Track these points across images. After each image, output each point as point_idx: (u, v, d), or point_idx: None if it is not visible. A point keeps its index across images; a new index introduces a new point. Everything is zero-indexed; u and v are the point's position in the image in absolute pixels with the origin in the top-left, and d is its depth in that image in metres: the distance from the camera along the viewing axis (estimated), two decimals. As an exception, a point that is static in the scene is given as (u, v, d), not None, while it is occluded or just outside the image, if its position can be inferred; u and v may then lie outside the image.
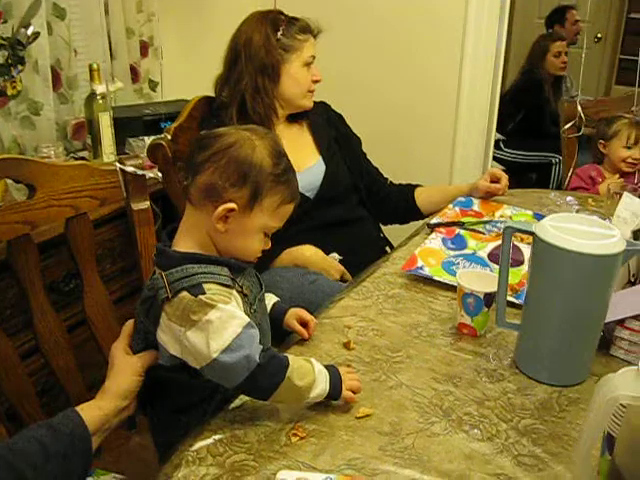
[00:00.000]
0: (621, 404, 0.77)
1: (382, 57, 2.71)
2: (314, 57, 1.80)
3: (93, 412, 0.99)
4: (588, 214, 1.76)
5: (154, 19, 2.41)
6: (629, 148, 2.36)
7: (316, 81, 1.82)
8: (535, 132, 3.89)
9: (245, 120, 1.70)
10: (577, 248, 1.03)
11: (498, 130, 3.90)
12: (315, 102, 1.87)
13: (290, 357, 1.01)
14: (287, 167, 1.08)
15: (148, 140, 2.07)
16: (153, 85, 2.50)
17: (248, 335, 0.97)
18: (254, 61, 1.72)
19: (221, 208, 1.01)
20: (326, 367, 1.04)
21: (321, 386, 1.01)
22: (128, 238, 1.72)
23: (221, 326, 0.96)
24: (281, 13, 1.80)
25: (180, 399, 1.08)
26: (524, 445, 0.98)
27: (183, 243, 1.05)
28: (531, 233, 1.10)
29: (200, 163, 1.03)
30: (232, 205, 1.01)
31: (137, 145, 2.04)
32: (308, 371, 1.01)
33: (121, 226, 1.82)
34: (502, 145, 3.92)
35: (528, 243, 1.53)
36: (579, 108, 2.34)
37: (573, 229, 1.07)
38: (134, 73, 2.43)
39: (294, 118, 1.87)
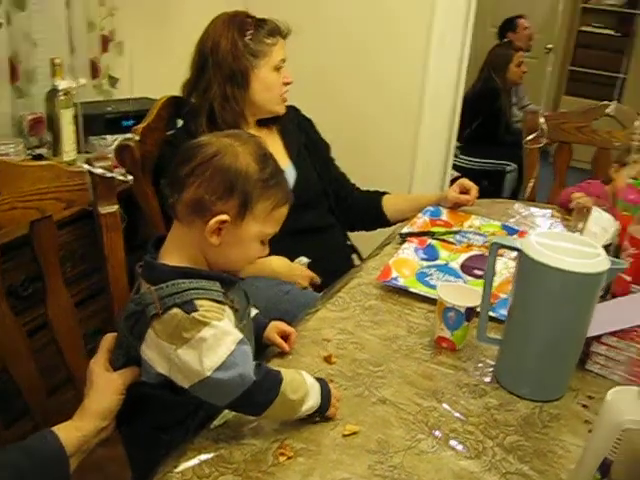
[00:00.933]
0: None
1: (346, 63, 2.70)
2: (284, 60, 1.76)
3: (71, 433, 0.94)
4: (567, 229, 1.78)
5: (116, 13, 2.33)
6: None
7: (287, 83, 1.78)
8: (490, 140, 3.95)
9: (214, 129, 1.64)
10: (564, 266, 1.04)
11: (454, 137, 3.96)
12: (285, 106, 1.84)
13: (282, 371, 0.98)
14: (275, 170, 1.04)
15: (111, 139, 2.01)
16: (113, 81, 2.43)
17: (242, 352, 0.95)
18: (222, 69, 1.67)
19: (213, 221, 0.97)
20: (315, 379, 1.02)
21: (313, 399, 0.99)
22: (90, 240, 1.67)
23: (215, 343, 0.92)
24: (248, 15, 1.75)
25: (162, 416, 1.04)
26: (511, 462, 0.98)
27: (172, 257, 1.01)
28: (517, 250, 1.10)
29: (184, 178, 0.99)
30: (224, 217, 0.98)
31: (99, 144, 1.98)
32: (300, 384, 0.99)
33: (83, 228, 1.75)
34: (458, 152, 3.96)
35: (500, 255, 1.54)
36: (542, 120, 2.36)
37: (559, 246, 1.08)
38: (94, 68, 2.35)
39: (264, 122, 1.83)
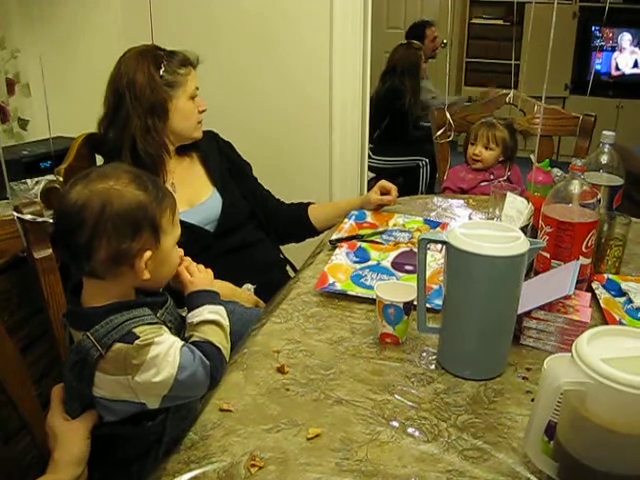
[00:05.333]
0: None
1: (256, 78, 2.73)
2: (198, 88, 1.80)
3: None
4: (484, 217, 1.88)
5: (19, 55, 2.32)
6: (472, 144, 2.48)
7: (202, 111, 1.82)
8: (400, 138, 4.08)
9: (138, 161, 1.68)
10: (488, 252, 1.12)
11: (366, 139, 4.06)
12: (203, 131, 1.87)
13: (204, 332, 1.10)
14: (153, 181, 1.08)
15: (32, 182, 1.99)
16: (23, 123, 2.41)
17: (188, 349, 1.04)
18: (141, 102, 1.69)
19: (141, 263, 1.01)
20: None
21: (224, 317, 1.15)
22: (25, 286, 1.66)
23: (165, 355, 0.99)
24: (159, 48, 1.78)
25: (127, 450, 1.07)
26: (466, 440, 1.05)
27: (99, 299, 1.04)
28: (444, 242, 1.18)
29: (87, 244, 0.99)
30: (148, 254, 1.03)
31: (20, 189, 1.96)
32: (218, 328, 1.12)
33: (16, 274, 1.73)
34: (370, 153, 4.06)
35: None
36: (448, 115, 2.48)
37: (481, 234, 1.16)
38: (2, 112, 2.33)
39: (184, 150, 1.86)
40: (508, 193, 1.72)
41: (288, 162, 2.76)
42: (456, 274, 1.19)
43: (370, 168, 3.99)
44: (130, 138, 1.69)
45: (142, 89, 1.68)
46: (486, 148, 2.43)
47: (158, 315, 1.06)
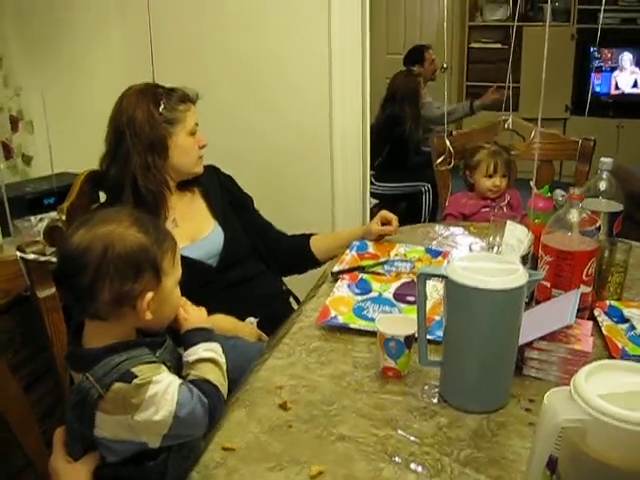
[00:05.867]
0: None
1: (255, 112, 2.75)
2: (197, 124, 1.82)
3: None
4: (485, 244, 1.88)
5: (22, 92, 2.35)
6: (490, 177, 2.48)
7: (202, 146, 1.84)
8: (402, 164, 4.10)
9: (139, 198, 1.70)
10: (487, 285, 1.13)
11: (368, 165, 4.08)
12: (204, 166, 1.89)
13: (202, 371, 1.11)
14: (154, 223, 1.11)
15: (35, 220, 2.01)
16: (27, 159, 2.44)
17: (186, 387, 1.05)
18: (141, 140, 1.71)
19: (143, 304, 1.03)
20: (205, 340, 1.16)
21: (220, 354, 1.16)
22: (29, 324, 1.67)
23: (164, 394, 1.00)
24: (158, 86, 1.81)
25: (131, 490, 1.08)
26: (468, 474, 1.05)
27: (100, 340, 1.05)
28: (443, 276, 1.19)
29: (89, 287, 1.01)
30: (150, 295, 1.05)
31: (24, 226, 1.98)
32: (214, 365, 1.13)
33: (20, 313, 1.75)
34: (372, 179, 4.09)
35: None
36: (447, 143, 2.50)
37: (480, 267, 1.17)
38: (6, 149, 2.36)
39: (185, 185, 1.88)
40: (508, 221, 1.73)
41: (290, 193, 2.77)
42: (455, 308, 1.19)
43: (373, 194, 4.01)
44: (131, 175, 1.71)
45: (142, 126, 1.71)
46: (490, 177, 2.45)
47: (157, 354, 1.07)
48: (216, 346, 1.15)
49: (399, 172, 4.11)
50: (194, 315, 1.18)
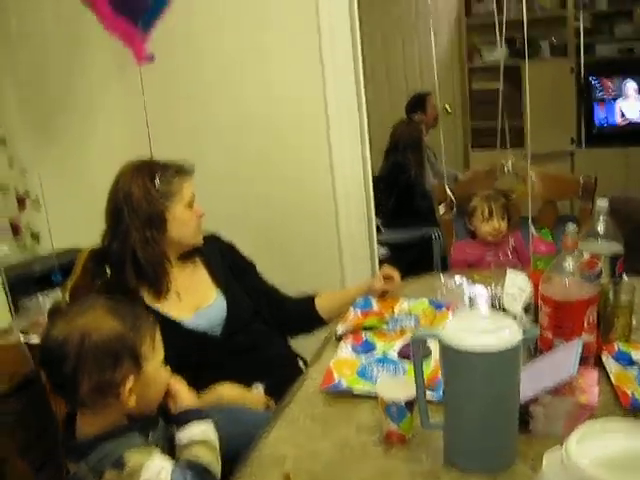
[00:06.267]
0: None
1: (257, 172, 2.78)
2: (194, 195, 1.83)
3: None
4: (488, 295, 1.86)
5: (27, 174, 2.41)
6: (488, 221, 2.45)
7: (200, 216, 1.86)
8: (409, 209, 4.11)
9: (140, 272, 1.73)
10: (480, 348, 1.12)
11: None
12: (205, 235, 1.90)
13: (195, 456, 1.11)
14: (131, 310, 1.14)
15: (42, 298, 2.04)
16: (36, 236, 2.49)
17: (179, 471, 1.06)
18: (138, 215, 1.73)
19: (125, 391, 1.05)
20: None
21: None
22: (35, 408, 1.68)
23: (156, 477, 1.01)
24: (154, 161, 1.84)
25: None
26: None
27: (91, 428, 1.07)
28: (438, 338, 1.18)
29: (72, 377, 1.04)
30: (130, 382, 1.07)
31: (31, 305, 2.01)
32: (206, 447, 1.14)
33: (25, 397, 1.76)
34: (381, 228, 4.09)
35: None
36: (448, 191, 2.51)
37: (474, 327, 1.16)
38: (14, 228, 2.42)
39: (186, 257, 1.89)
40: (508, 270, 1.72)
41: (296, 251, 2.79)
42: (451, 370, 1.18)
43: (383, 243, 4.02)
44: (131, 250, 1.74)
45: (138, 202, 1.73)
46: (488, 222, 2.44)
47: (149, 437, 1.08)
48: (208, 427, 1.16)
49: (407, 218, 4.12)
50: (184, 397, 1.18)
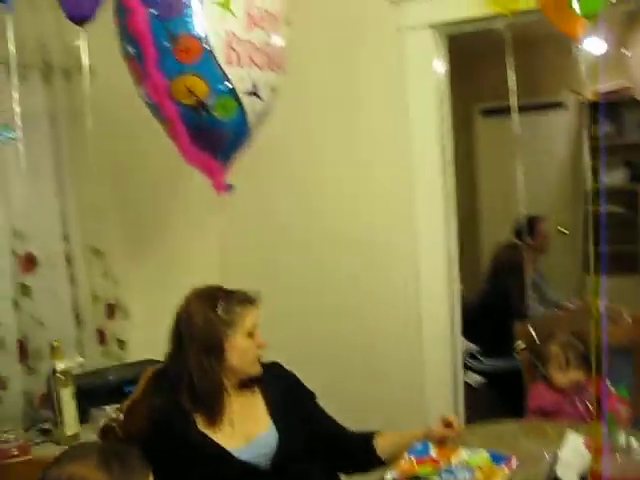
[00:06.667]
0: None
1: (330, 299, 2.88)
2: (256, 325, 1.83)
3: None
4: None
5: (119, 284, 2.55)
6: (564, 371, 2.30)
7: (260, 346, 1.84)
8: (508, 339, 3.94)
9: (196, 398, 1.75)
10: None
11: (472, 340, 3.95)
12: (266, 364, 1.90)
13: None
14: (124, 462, 1.13)
15: (110, 409, 2.10)
16: (121, 345, 2.59)
17: None
18: (197, 342, 1.76)
19: None
20: None
21: None
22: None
23: None
24: (219, 288, 1.86)
25: None
26: None
27: None
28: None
29: None
30: None
31: (99, 415, 2.08)
32: None
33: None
34: (479, 355, 3.95)
35: None
36: (531, 330, 2.39)
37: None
38: (101, 335, 2.53)
39: (246, 384, 1.87)
40: (568, 431, 1.60)
41: (376, 366, 2.82)
42: None
43: (481, 372, 3.87)
44: (188, 376, 1.75)
45: (198, 330, 1.76)
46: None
47: None
48: None
49: (506, 347, 3.95)
50: None
